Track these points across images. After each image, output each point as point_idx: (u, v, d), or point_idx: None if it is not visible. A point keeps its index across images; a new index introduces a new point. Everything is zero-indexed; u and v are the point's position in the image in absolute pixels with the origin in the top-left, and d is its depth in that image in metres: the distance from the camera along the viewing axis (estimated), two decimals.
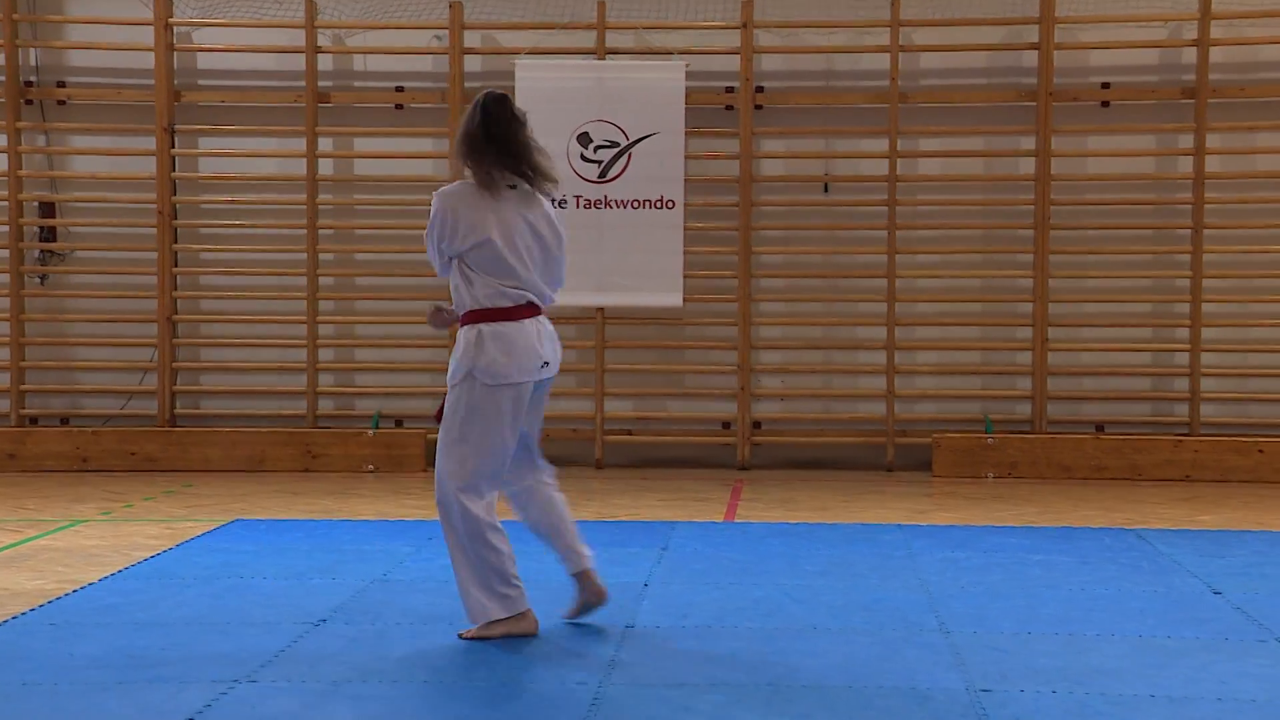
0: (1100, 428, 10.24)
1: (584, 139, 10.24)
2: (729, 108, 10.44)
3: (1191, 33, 10.07)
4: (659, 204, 10.20)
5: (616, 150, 10.22)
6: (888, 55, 10.22)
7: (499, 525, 5.10)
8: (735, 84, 10.39)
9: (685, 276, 10.23)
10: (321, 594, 5.88)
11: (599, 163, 10.22)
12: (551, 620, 5.37)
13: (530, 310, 5.11)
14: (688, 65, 10.19)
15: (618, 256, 10.19)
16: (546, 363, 5.12)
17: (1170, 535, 7.39)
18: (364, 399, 10.71)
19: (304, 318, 10.53)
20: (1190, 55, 10.10)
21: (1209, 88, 10.01)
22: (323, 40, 10.60)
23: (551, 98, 10.14)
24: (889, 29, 10.20)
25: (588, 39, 10.42)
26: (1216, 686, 4.52)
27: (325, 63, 10.64)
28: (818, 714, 4.25)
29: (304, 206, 10.49)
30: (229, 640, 5.11)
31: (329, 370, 10.71)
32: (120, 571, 6.35)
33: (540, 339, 5.11)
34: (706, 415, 10.63)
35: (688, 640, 5.13)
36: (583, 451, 10.44)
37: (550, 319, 5.22)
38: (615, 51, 10.43)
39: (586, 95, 10.25)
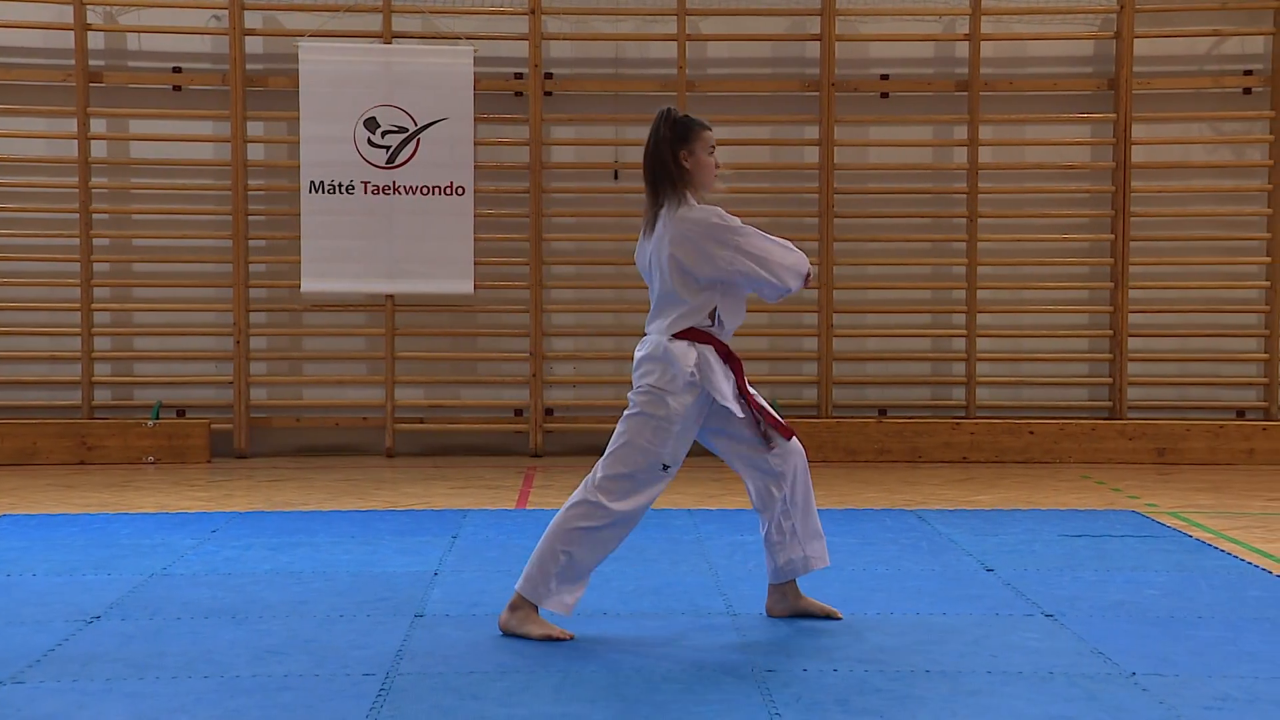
0: (883, 412, 10.53)
1: (371, 124, 10.10)
2: (519, 94, 10.41)
3: (964, 27, 10.42)
4: (449, 190, 10.12)
5: (405, 135, 10.11)
6: (675, 44, 10.32)
7: None
8: (524, 70, 10.36)
9: (476, 263, 10.18)
10: (96, 590, 5.67)
11: (387, 148, 10.09)
12: (337, 612, 5.30)
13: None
14: (476, 51, 10.13)
15: (408, 243, 10.08)
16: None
17: (948, 515, 7.64)
18: (143, 389, 10.37)
19: (78, 305, 10.16)
20: (963, 49, 10.45)
21: (981, 81, 10.37)
22: (93, 17, 10.21)
23: (336, 81, 10.03)
24: (676, 17, 10.30)
25: (374, 22, 10.27)
26: (987, 660, 4.69)
27: (96, 41, 10.26)
28: (607, 699, 4.27)
29: (76, 190, 10.11)
30: None
31: (105, 359, 10.35)
32: None
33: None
34: (499, 402, 10.59)
35: (478, 628, 5.10)
36: (373, 440, 10.30)
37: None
38: (402, 35, 10.30)
39: (373, 79, 10.11)
